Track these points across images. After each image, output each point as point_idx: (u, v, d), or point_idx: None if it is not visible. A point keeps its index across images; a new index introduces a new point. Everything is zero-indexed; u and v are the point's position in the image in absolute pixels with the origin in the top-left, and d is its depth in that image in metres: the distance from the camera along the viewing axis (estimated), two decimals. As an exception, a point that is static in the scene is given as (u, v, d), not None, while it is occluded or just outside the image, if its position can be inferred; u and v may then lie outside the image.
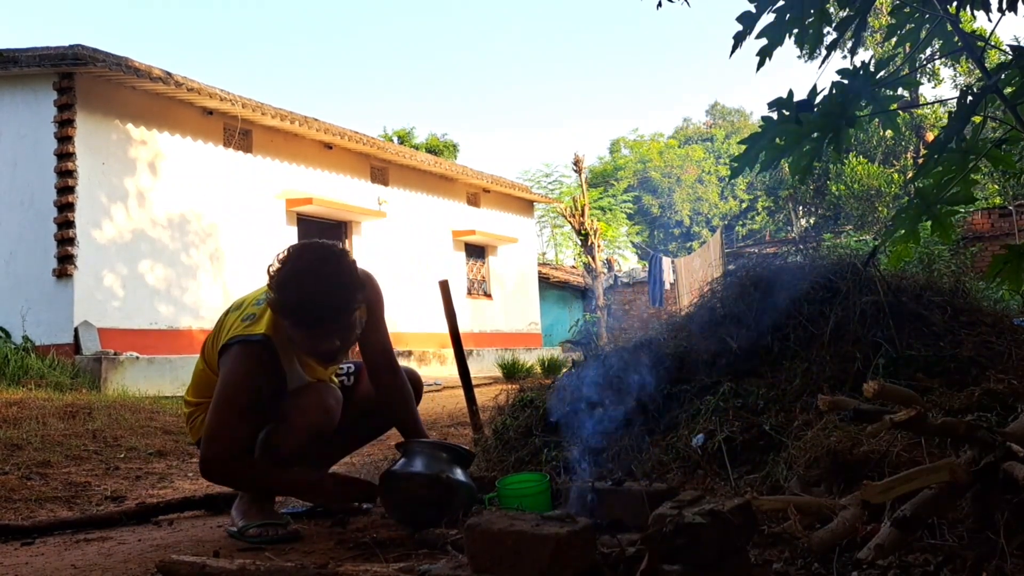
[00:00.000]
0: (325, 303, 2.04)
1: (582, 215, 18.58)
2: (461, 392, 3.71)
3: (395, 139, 24.62)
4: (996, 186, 15.85)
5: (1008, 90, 2.00)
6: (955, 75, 19.07)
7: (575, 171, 19.95)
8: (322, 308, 2.05)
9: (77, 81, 9.32)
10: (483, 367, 13.04)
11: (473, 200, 16.25)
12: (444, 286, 3.73)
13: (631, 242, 31.95)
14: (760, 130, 2.07)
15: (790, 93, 2.00)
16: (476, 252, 16.35)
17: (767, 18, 2.06)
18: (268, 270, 2.11)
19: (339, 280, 2.07)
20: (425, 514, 2.02)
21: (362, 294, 2.14)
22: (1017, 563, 1.33)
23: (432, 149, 24.09)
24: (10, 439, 4.06)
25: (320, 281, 2.04)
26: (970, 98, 1.88)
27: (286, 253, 2.11)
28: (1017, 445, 1.46)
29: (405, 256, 13.98)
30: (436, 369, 12.77)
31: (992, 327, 2.44)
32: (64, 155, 9.25)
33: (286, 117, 11.51)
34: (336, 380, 2.52)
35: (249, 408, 2.12)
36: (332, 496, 2.27)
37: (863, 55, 19.38)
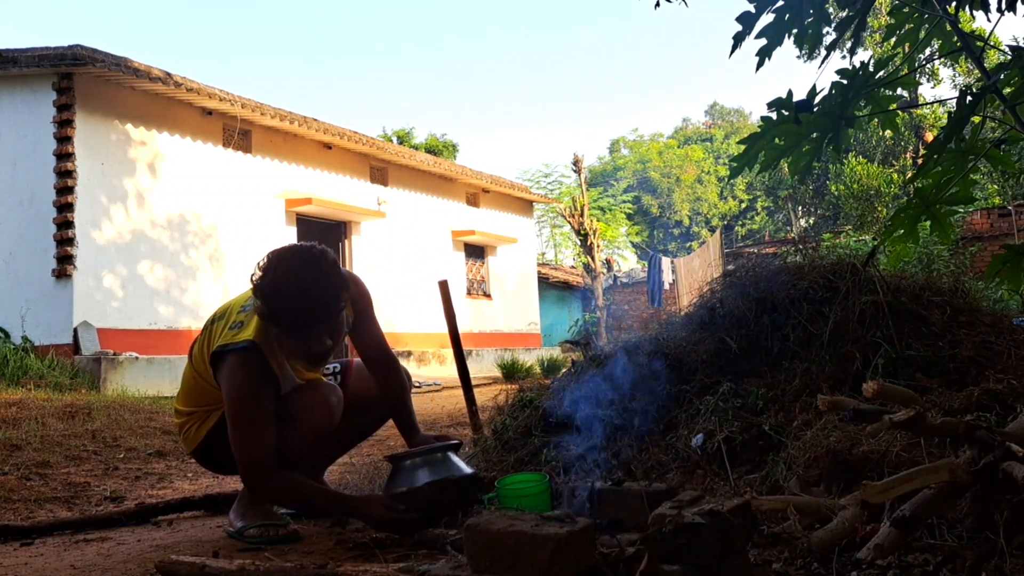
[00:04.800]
0: (312, 306, 2.04)
1: (581, 215, 18.59)
2: (461, 392, 3.71)
3: (394, 139, 24.61)
4: (995, 186, 15.85)
5: (1007, 90, 2.01)
6: (954, 75, 19.08)
7: (575, 171, 19.98)
8: (309, 311, 2.04)
9: (76, 81, 9.32)
10: (483, 367, 13.05)
11: (472, 200, 16.25)
12: (444, 286, 3.73)
13: (631, 242, 31.98)
14: (759, 130, 2.07)
15: (789, 93, 2.00)
16: (475, 252, 16.35)
17: (767, 18, 2.06)
18: (251, 279, 2.10)
19: (322, 281, 2.06)
20: (448, 512, 2.07)
21: (346, 292, 2.14)
22: (1017, 563, 1.33)
23: (431, 149, 24.08)
24: (9, 439, 4.05)
25: (304, 284, 2.03)
26: (969, 98, 1.88)
27: (266, 260, 2.10)
28: (1016, 445, 1.46)
29: (405, 256, 13.97)
30: (436, 369, 12.77)
31: (991, 327, 2.44)
32: (63, 155, 9.24)
33: (285, 117, 11.51)
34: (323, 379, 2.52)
35: (260, 414, 2.12)
36: (371, 519, 2.12)
37: (862, 55, 19.40)
